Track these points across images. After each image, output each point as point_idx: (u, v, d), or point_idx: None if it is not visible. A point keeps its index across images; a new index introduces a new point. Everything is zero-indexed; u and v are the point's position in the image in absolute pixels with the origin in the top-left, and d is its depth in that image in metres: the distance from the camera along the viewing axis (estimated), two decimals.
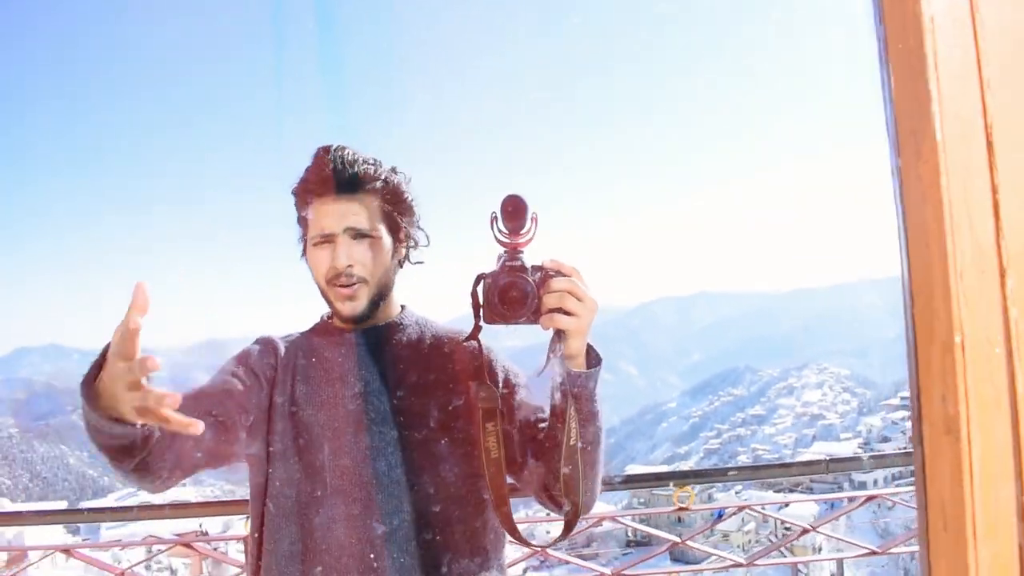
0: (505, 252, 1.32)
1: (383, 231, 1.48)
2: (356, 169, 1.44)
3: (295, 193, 1.50)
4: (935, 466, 0.65)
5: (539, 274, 1.30)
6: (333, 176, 1.43)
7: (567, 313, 1.27)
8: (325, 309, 1.59)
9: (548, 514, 2.02)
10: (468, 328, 1.37)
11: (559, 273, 1.29)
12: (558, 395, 1.37)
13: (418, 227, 1.57)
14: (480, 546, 1.46)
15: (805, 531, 2.51)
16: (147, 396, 1.00)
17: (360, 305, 1.47)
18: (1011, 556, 0.62)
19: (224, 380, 1.43)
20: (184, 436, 1.20)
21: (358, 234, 1.44)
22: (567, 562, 2.48)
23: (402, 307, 1.61)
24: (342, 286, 1.45)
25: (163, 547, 2.48)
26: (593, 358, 1.36)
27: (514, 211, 1.28)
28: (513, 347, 1.69)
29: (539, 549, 1.79)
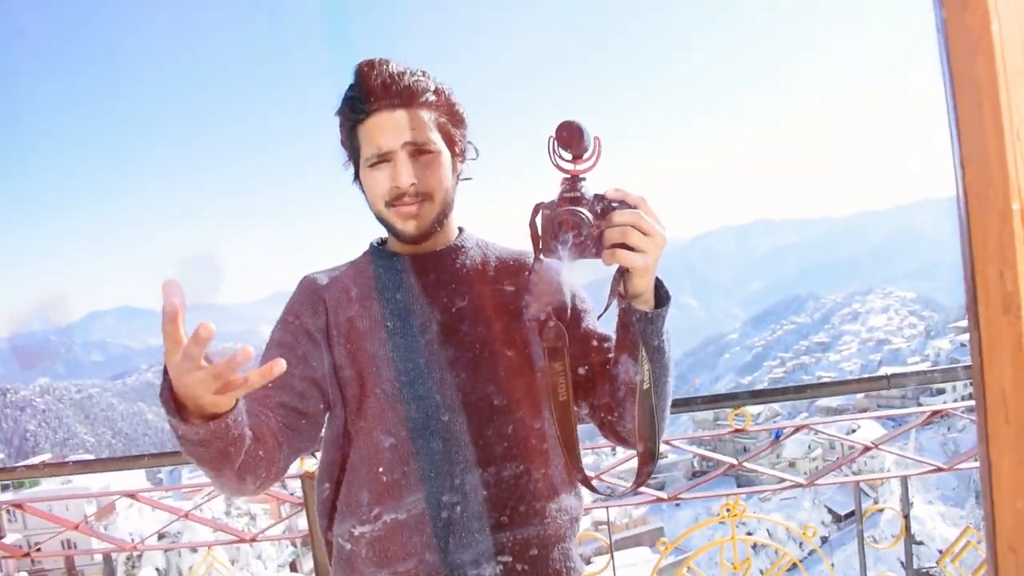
0: (565, 180, 1.22)
1: (441, 145, 1.39)
2: (407, 81, 1.34)
3: (341, 113, 1.40)
4: (993, 351, 0.59)
5: (600, 205, 1.19)
6: (383, 89, 1.33)
7: (632, 249, 1.17)
8: (375, 236, 1.53)
9: (614, 450, 1.98)
10: (531, 250, 1.25)
11: (623, 204, 1.18)
12: (624, 336, 1.31)
13: (467, 147, 1.47)
14: (554, 482, 1.41)
15: (867, 448, 2.44)
16: (217, 369, 0.98)
17: (425, 223, 1.38)
18: None
19: (286, 360, 1.32)
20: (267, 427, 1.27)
21: (417, 149, 1.35)
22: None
23: (460, 229, 1.52)
24: (404, 205, 1.36)
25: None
26: (661, 295, 1.27)
27: (571, 134, 1.17)
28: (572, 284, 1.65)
29: (607, 497, 1.72)
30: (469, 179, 1.49)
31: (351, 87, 1.37)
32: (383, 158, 1.35)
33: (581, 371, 1.41)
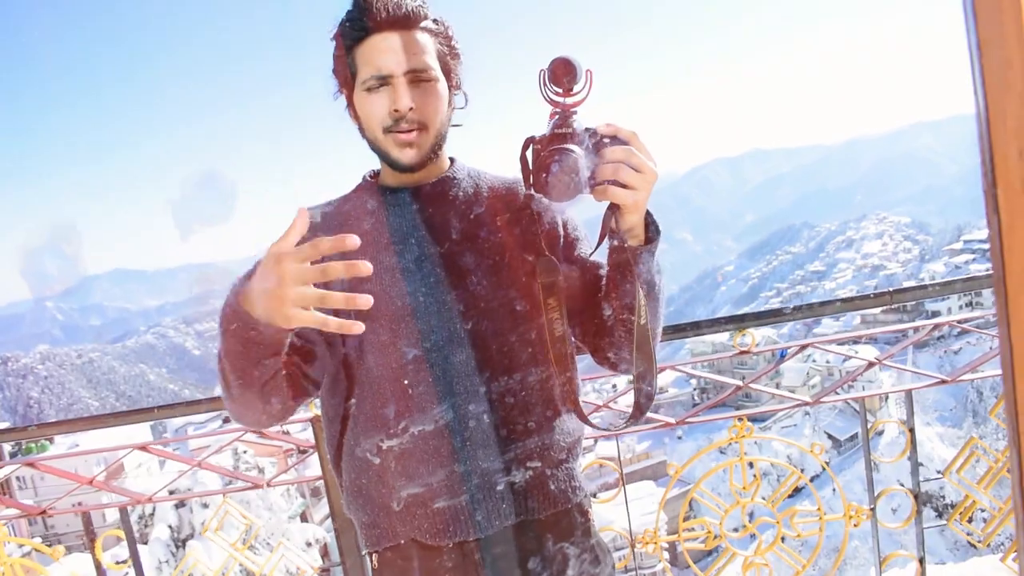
0: (555, 114, 1.19)
1: (439, 73, 1.36)
2: (408, 5, 1.32)
3: (339, 35, 1.36)
4: (1014, 231, 0.58)
5: (591, 140, 1.17)
6: (384, 10, 1.30)
7: (623, 186, 1.16)
8: (367, 169, 1.51)
9: (614, 386, 1.98)
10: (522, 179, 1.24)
11: (615, 139, 1.17)
12: (615, 271, 1.30)
13: (460, 87, 1.44)
14: (554, 414, 1.42)
15: (871, 364, 2.45)
16: (328, 295, 1.08)
17: (422, 152, 1.36)
18: None
19: None
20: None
21: (417, 76, 1.32)
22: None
23: (451, 160, 1.50)
24: (402, 132, 1.34)
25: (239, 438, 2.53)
26: (651, 229, 1.27)
27: (562, 68, 1.16)
28: None
29: (606, 432, 1.73)
30: (459, 125, 1.47)
31: (350, 8, 1.34)
32: (382, 81, 1.32)
33: (574, 300, 1.41)
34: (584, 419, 1.45)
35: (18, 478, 34.41)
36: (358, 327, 1.08)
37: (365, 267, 1.05)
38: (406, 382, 1.36)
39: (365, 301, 1.06)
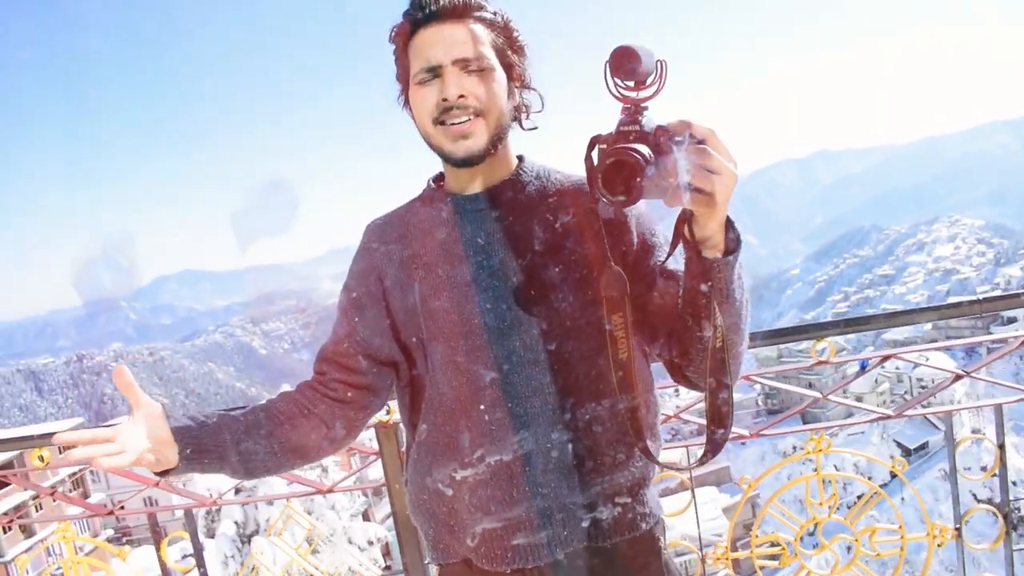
0: (624, 110, 1.09)
1: (495, 63, 1.30)
2: None
3: (395, 34, 1.33)
4: None
5: (664, 139, 1.05)
6: (435, 3, 1.26)
7: (699, 190, 1.03)
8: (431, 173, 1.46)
9: (677, 390, 1.88)
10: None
11: (689, 138, 1.04)
12: (691, 284, 1.18)
13: (531, 86, 1.38)
14: (626, 435, 1.33)
15: (958, 376, 2.33)
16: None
17: (478, 143, 1.29)
18: None
19: (342, 336, 1.45)
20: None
21: (468, 65, 1.27)
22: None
23: (519, 158, 1.42)
24: (454, 123, 1.28)
25: None
26: (731, 238, 1.13)
27: (627, 58, 1.04)
28: None
29: (679, 469, 1.60)
30: (535, 128, 1.40)
31: (407, 9, 1.31)
32: (433, 73, 1.28)
33: (649, 314, 1.31)
34: (650, 457, 1.33)
35: (92, 472, 35.49)
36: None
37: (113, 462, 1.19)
38: (482, 407, 1.30)
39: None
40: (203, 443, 1.31)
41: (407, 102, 1.36)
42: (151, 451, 1.24)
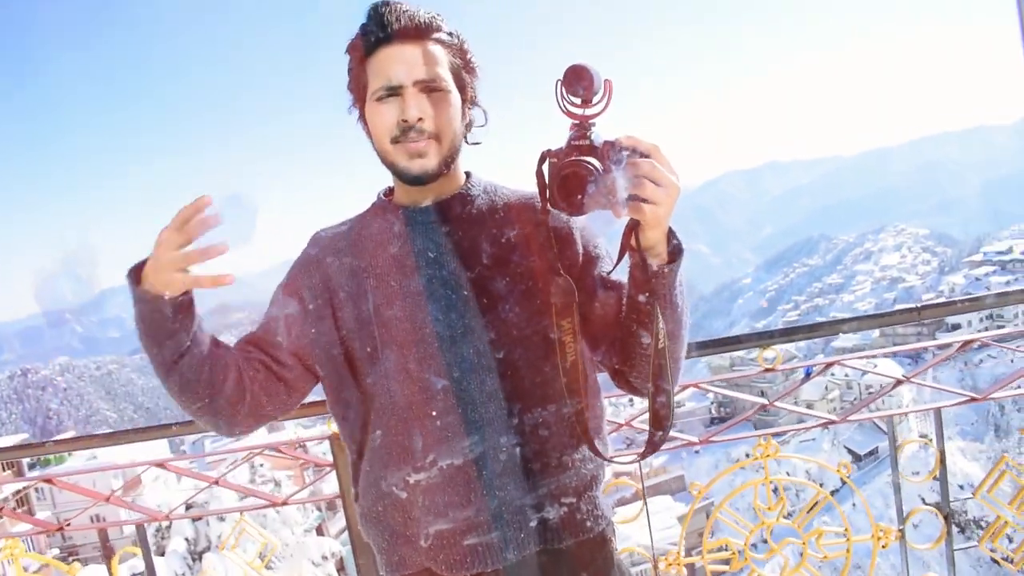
0: (574, 126, 1.15)
1: (452, 85, 1.34)
2: (422, 17, 1.31)
3: (352, 48, 1.35)
4: None
5: (611, 154, 1.12)
6: (396, 22, 1.29)
7: (645, 200, 1.10)
8: (382, 187, 1.49)
9: (631, 400, 1.91)
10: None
11: (635, 152, 1.12)
12: (635, 291, 1.24)
13: (478, 103, 1.42)
14: (574, 438, 1.38)
15: (899, 382, 2.40)
16: (190, 252, 1.18)
17: (431, 163, 1.33)
18: None
19: (273, 328, 1.46)
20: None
21: (428, 87, 1.31)
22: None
23: (467, 174, 1.47)
24: (410, 142, 1.31)
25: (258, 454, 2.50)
26: (673, 247, 1.21)
27: (579, 77, 1.11)
28: None
29: (626, 464, 1.62)
30: (478, 143, 1.44)
31: (363, 25, 1.33)
32: (392, 92, 1.31)
33: (594, 322, 1.37)
34: (598, 454, 1.39)
35: (37, 490, 34.57)
36: (229, 278, 1.19)
37: (229, 278, 1.18)
38: (434, 413, 1.33)
39: (231, 279, 1.19)
40: (196, 317, 1.31)
41: (362, 115, 1.39)
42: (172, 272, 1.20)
